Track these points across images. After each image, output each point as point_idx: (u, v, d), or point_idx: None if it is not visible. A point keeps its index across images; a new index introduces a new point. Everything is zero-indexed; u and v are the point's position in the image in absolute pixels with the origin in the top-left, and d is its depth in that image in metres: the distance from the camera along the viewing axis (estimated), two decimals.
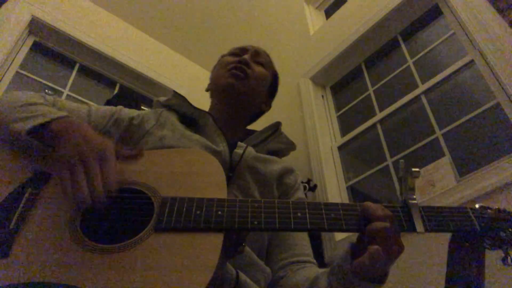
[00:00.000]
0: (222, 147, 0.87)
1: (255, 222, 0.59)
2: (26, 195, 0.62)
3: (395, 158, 2.09)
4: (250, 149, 0.90)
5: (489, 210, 0.64)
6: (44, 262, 0.53)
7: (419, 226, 0.61)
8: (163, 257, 0.54)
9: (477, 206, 0.66)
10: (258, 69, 1.03)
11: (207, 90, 1.10)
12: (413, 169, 0.64)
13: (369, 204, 0.62)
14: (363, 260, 0.58)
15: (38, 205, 0.60)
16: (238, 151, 0.87)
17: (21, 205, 0.60)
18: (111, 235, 0.57)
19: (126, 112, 0.92)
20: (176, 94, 1.00)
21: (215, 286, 0.59)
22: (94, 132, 0.67)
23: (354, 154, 2.45)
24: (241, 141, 0.94)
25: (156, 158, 0.72)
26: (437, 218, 0.63)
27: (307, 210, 0.61)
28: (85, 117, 0.86)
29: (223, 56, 1.09)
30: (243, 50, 1.05)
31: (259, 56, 1.06)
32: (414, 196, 0.65)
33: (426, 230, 0.61)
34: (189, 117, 0.97)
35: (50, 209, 0.60)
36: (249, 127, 1.10)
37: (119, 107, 0.95)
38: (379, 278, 0.62)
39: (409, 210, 0.63)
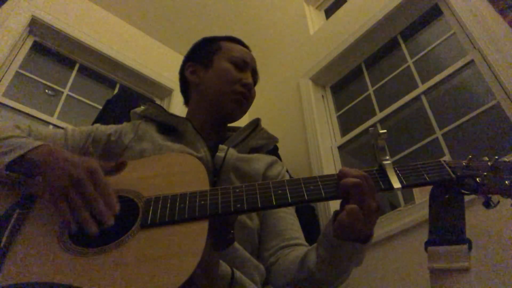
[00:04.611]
0: (203, 152, 0.88)
1: (238, 205, 0.61)
2: (15, 215, 0.62)
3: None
4: (232, 151, 0.90)
5: (462, 160, 0.66)
6: (37, 272, 0.54)
7: (395, 183, 0.62)
8: (151, 248, 0.55)
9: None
10: (254, 90, 1.05)
11: (183, 91, 1.09)
12: (380, 131, 0.66)
13: (343, 168, 0.64)
14: (342, 219, 0.60)
15: (27, 224, 0.61)
16: (220, 154, 0.87)
17: (10, 225, 0.61)
18: (100, 241, 0.58)
19: (103, 130, 0.93)
20: (153, 104, 1.01)
21: (211, 284, 0.60)
22: (72, 154, 0.68)
23: (354, 154, 2.45)
24: (222, 142, 0.95)
25: (136, 166, 0.73)
26: (411, 173, 0.64)
27: (287, 187, 0.63)
28: (62, 141, 0.87)
29: (219, 50, 1.03)
30: (245, 64, 1.02)
31: (255, 73, 1.07)
32: (387, 157, 0.67)
33: (403, 186, 0.62)
34: (168, 125, 0.97)
35: (38, 226, 0.61)
36: None
37: (96, 125, 0.96)
38: (364, 239, 0.64)
39: (384, 169, 0.65)
